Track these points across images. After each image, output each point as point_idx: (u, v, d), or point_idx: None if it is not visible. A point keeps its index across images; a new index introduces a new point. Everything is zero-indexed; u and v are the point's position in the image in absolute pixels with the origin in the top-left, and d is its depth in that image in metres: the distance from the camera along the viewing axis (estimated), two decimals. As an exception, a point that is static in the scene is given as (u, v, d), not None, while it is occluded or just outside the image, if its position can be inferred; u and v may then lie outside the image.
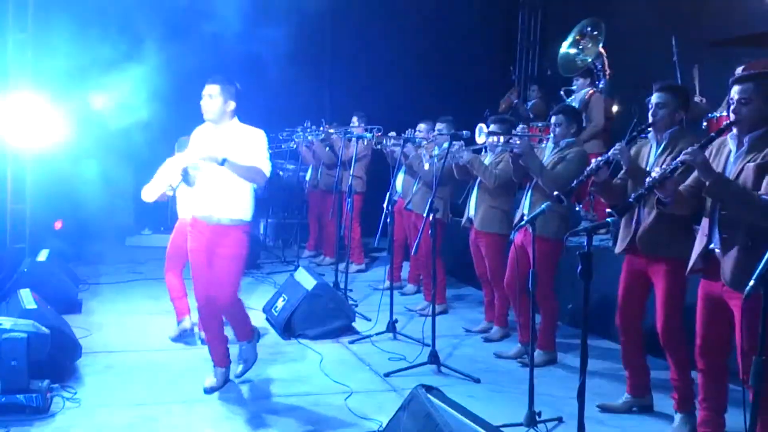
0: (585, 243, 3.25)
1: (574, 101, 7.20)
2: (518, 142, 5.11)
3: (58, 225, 8.54)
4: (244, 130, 4.47)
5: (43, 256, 6.63)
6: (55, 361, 4.33)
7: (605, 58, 7.48)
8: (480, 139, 5.50)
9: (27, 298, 4.84)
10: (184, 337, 5.61)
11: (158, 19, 8.55)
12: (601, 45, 7.44)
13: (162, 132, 7.61)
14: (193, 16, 8.39)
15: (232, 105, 4.42)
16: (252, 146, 4.39)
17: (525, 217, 4.82)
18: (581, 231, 3.38)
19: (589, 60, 7.44)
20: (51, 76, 7.58)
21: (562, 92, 7.68)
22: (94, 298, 6.82)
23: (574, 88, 7.40)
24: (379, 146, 7.29)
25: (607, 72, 7.42)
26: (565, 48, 7.80)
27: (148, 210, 9.68)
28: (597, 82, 7.36)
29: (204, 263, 4.45)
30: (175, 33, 8.46)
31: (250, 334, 4.76)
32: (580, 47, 7.71)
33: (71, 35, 7.58)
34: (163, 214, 8.76)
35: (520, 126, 7.03)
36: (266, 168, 4.41)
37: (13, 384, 3.97)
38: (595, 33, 7.58)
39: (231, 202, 4.42)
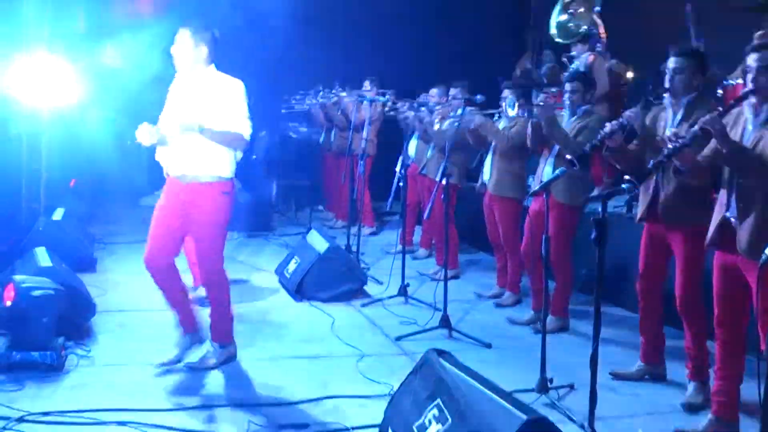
0: (599, 209, 3.22)
1: (579, 66, 7.07)
2: (539, 111, 5.06)
3: (72, 183, 8.57)
4: (221, 80, 4.13)
5: (58, 215, 6.66)
6: (69, 319, 4.36)
7: (599, 22, 7.34)
8: (512, 111, 5.46)
9: (42, 256, 4.87)
10: (199, 304, 5.65)
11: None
12: (595, 10, 7.27)
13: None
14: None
15: (204, 50, 4.09)
16: (229, 102, 4.07)
17: (542, 183, 4.78)
18: (596, 197, 3.35)
19: (584, 27, 7.28)
20: (67, 35, 7.55)
21: (564, 59, 7.55)
22: (109, 258, 6.87)
23: (573, 53, 7.27)
24: (393, 112, 7.23)
25: (602, 36, 7.28)
26: (556, 16, 7.59)
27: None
28: (595, 46, 7.22)
29: (169, 224, 4.14)
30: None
31: (225, 338, 4.30)
32: (570, 12, 7.52)
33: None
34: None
35: (541, 95, 6.95)
36: (245, 130, 4.10)
37: (40, 340, 4.01)
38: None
39: (205, 158, 4.07)
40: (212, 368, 4.20)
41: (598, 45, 7.20)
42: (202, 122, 3.98)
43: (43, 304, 4.04)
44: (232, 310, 4.36)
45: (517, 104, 5.42)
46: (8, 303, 4.06)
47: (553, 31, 7.58)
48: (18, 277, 4.23)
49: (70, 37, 7.48)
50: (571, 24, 7.45)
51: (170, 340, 4.37)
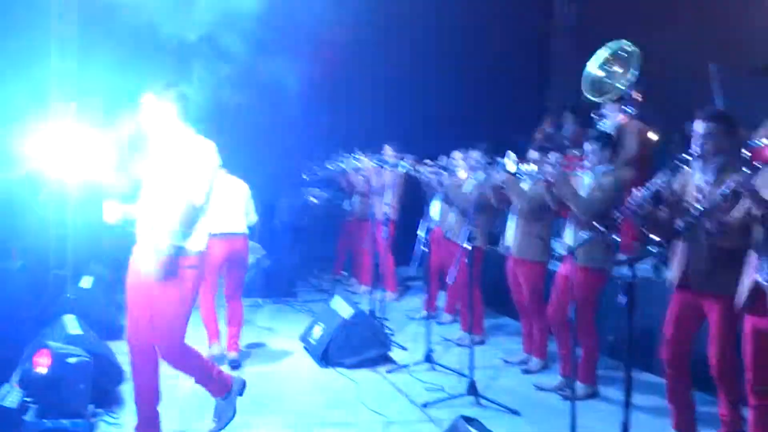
0: (626, 273, 3.22)
1: (605, 126, 7.09)
2: (551, 169, 5.12)
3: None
4: (187, 146, 3.92)
5: (87, 282, 6.74)
6: (99, 386, 4.38)
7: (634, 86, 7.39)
8: (511, 167, 5.50)
9: (71, 323, 4.93)
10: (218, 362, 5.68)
11: (191, 47, 8.75)
12: (633, 73, 7.31)
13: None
14: (219, 44, 8.55)
15: (173, 109, 3.92)
16: (188, 168, 3.83)
17: (567, 247, 4.80)
18: (624, 261, 3.36)
19: (622, 88, 7.33)
20: (94, 103, 7.77)
21: (593, 115, 7.56)
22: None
23: (603, 112, 7.28)
24: (415, 173, 7.30)
25: (638, 99, 7.31)
26: (594, 68, 7.49)
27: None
28: (627, 108, 7.24)
29: (139, 302, 3.93)
30: (205, 60, 8.63)
31: (223, 388, 4.15)
32: (610, 70, 7.52)
33: (114, 63, 7.79)
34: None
35: (554, 154, 6.99)
36: (196, 198, 3.81)
37: (73, 408, 4.03)
38: (627, 58, 7.43)
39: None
40: (230, 418, 4.11)
41: (630, 107, 7.23)
42: (165, 242, 3.77)
43: (79, 371, 4.09)
44: (212, 365, 4.20)
45: (513, 161, 5.43)
46: (43, 369, 4.08)
47: (585, 85, 7.48)
48: (53, 344, 4.27)
49: (99, 104, 7.69)
50: (606, 82, 7.39)
51: (194, 406, 4.35)
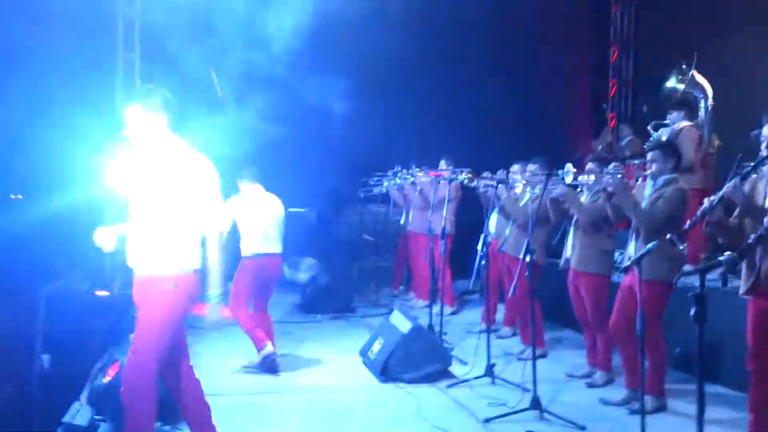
0: (695, 283, 3.13)
1: (664, 135, 6.96)
2: (610, 180, 5.03)
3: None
4: (181, 157, 3.62)
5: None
6: (166, 402, 4.46)
7: (707, 87, 7.24)
8: (568, 178, 5.44)
9: (138, 341, 5.03)
10: (267, 362, 5.85)
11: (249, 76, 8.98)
12: (693, 71, 7.22)
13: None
14: (273, 61, 8.73)
15: (162, 118, 3.62)
16: (191, 191, 3.57)
17: (631, 259, 4.69)
18: (692, 272, 3.26)
19: (684, 89, 7.22)
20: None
21: (649, 127, 7.48)
22: (199, 342, 7.01)
23: (667, 122, 7.18)
24: (472, 185, 7.26)
25: (710, 102, 7.16)
26: (673, 83, 7.63)
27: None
28: (695, 114, 7.10)
29: None
30: (261, 84, 8.84)
31: None
32: (680, 78, 7.53)
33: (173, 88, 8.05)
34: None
35: (613, 165, 6.89)
36: (222, 225, 3.64)
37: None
38: (686, 67, 7.40)
39: (155, 250, 3.59)
40: None
41: (701, 111, 7.11)
42: (213, 292, 3.68)
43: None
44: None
45: (570, 173, 5.38)
46: (107, 378, 4.16)
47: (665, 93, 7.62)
48: (122, 358, 4.36)
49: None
50: (678, 87, 7.49)
51: (257, 423, 4.38)
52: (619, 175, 5.09)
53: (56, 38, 7.65)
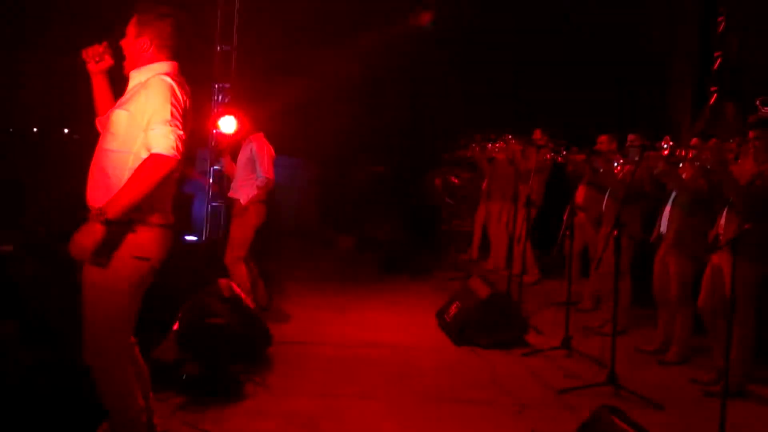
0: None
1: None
2: (709, 156, 4.84)
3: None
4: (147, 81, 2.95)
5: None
6: (249, 348, 4.65)
7: None
8: (664, 152, 5.24)
9: (226, 287, 5.22)
10: None
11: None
12: None
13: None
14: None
15: (146, 41, 3.00)
16: (144, 108, 2.89)
17: (721, 237, 4.54)
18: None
19: None
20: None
21: (757, 102, 7.10)
22: (279, 296, 7.23)
23: None
24: (563, 158, 7.12)
25: None
26: None
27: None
28: None
29: None
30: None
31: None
32: None
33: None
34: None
35: (714, 141, 6.61)
36: (163, 146, 2.83)
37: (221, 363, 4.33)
38: None
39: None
40: None
41: None
42: (102, 209, 2.80)
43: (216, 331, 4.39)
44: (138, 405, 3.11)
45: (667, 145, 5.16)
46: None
47: None
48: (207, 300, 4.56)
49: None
50: None
51: (336, 373, 4.49)
52: (719, 152, 4.89)
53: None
